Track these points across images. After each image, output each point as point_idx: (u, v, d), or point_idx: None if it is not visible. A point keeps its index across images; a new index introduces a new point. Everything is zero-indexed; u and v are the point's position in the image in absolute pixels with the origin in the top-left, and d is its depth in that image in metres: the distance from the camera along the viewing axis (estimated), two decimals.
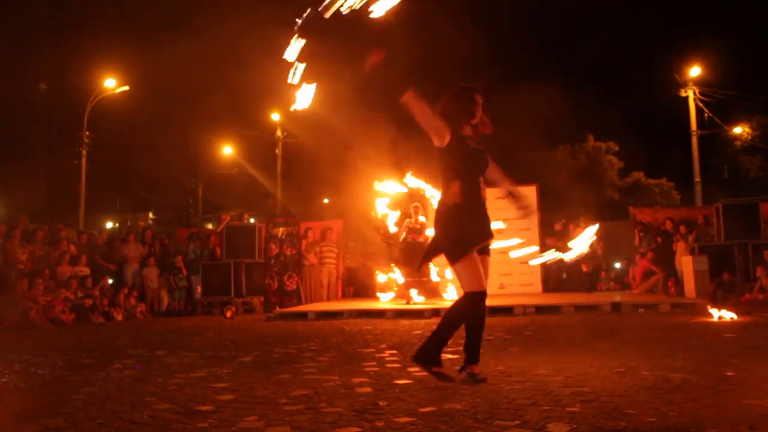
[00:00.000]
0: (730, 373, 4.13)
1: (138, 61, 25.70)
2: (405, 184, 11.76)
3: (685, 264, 11.58)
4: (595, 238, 15.13)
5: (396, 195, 12.00)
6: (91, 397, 3.92)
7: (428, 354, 4.12)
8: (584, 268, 14.74)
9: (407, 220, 11.84)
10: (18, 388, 4.36)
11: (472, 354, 4.19)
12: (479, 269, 4.06)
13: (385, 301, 12.09)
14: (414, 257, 11.04)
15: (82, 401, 3.79)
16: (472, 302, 4.11)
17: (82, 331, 9.29)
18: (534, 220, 14.49)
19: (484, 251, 4.21)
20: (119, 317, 11.52)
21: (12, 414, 3.50)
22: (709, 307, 8.83)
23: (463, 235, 4.08)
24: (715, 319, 8.16)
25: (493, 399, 3.54)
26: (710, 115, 23.28)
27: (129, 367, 5.22)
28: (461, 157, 4.14)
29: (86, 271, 12.10)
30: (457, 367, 4.24)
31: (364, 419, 3.17)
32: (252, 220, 17.42)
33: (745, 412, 3.11)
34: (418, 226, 11.64)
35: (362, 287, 14.71)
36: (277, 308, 10.95)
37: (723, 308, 8.50)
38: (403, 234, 11.80)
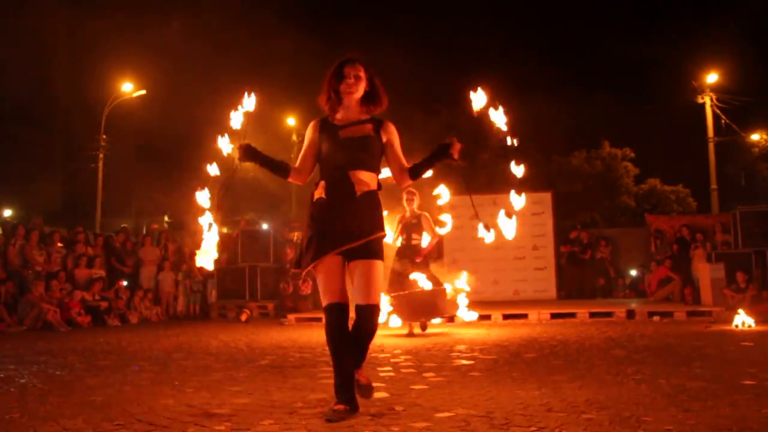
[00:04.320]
0: (748, 382, 4.10)
1: (155, 65, 25.90)
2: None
3: (702, 272, 11.50)
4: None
5: None
6: (109, 398, 3.96)
7: (335, 389, 3.46)
8: (601, 282, 14.72)
9: (398, 216, 8.34)
10: (37, 389, 4.40)
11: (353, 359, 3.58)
12: (328, 280, 3.51)
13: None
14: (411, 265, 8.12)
15: (100, 403, 3.83)
16: (326, 317, 3.53)
17: (98, 333, 9.36)
18: (549, 227, 14.51)
19: (363, 255, 3.51)
20: (134, 320, 11.59)
21: (31, 414, 3.54)
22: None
23: (313, 241, 3.53)
24: (732, 327, 8.10)
25: (509, 405, 3.53)
26: (727, 121, 23.10)
27: (146, 370, 5.26)
28: (325, 148, 3.63)
29: (102, 273, 12.21)
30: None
31: (381, 424, 3.17)
32: (265, 226, 17.44)
33: (763, 422, 3.09)
34: (414, 221, 8.16)
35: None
36: (287, 315, 10.91)
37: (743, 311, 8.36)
38: (399, 238, 8.20)
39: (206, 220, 3.87)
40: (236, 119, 3.91)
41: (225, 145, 3.91)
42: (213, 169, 3.93)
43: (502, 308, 10.84)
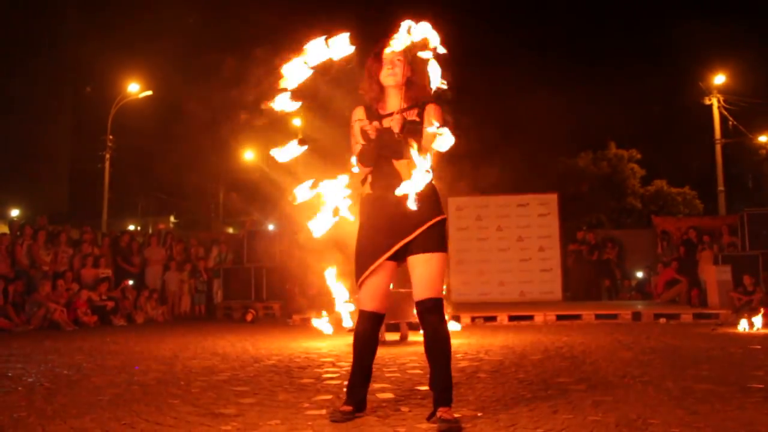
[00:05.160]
0: (755, 385, 4.09)
1: (162, 65, 25.95)
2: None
3: (709, 274, 11.47)
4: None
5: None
6: (117, 398, 3.97)
7: (347, 389, 3.48)
8: (607, 283, 14.69)
9: None
10: (44, 388, 4.41)
11: (437, 392, 3.21)
12: (369, 287, 3.35)
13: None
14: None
15: (107, 402, 3.84)
16: (357, 322, 3.45)
17: (104, 332, 9.38)
18: (555, 228, 14.47)
19: (419, 249, 3.27)
20: (140, 320, 11.62)
21: (39, 413, 3.55)
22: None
23: (363, 251, 3.37)
24: (739, 329, 8.08)
25: (515, 407, 3.53)
26: (735, 123, 23.01)
27: (152, 370, 5.28)
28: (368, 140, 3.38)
29: (108, 273, 12.25)
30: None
31: (387, 425, 3.18)
32: (270, 226, 17.47)
33: None
34: None
35: None
36: (293, 316, 10.95)
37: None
38: None
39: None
40: (300, 70, 3.23)
41: (284, 103, 3.37)
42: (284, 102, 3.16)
43: (507, 310, 10.82)
